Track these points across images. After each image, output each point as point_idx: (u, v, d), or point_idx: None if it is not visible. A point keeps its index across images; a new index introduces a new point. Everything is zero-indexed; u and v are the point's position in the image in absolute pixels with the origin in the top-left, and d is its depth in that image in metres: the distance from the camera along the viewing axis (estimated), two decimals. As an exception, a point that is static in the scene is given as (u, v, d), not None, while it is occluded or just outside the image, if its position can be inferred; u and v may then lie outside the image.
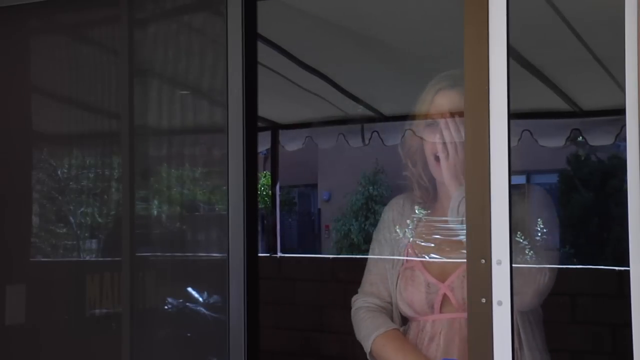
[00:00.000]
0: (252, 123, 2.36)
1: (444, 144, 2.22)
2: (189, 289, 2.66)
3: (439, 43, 3.09)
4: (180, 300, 2.68)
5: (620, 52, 1.78)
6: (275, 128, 4.74)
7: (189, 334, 2.63)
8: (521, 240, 2.17)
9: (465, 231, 2.04)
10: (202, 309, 2.58)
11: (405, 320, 2.30)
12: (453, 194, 2.19)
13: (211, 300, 2.55)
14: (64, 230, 2.83)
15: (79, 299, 2.77)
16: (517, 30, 1.96)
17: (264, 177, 6.11)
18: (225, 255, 2.30)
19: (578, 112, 4.08)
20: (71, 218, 2.81)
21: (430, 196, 2.31)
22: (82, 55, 2.83)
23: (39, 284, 2.81)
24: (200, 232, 2.64)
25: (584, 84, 3.81)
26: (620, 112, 1.81)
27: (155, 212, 2.69)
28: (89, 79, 2.77)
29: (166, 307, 2.65)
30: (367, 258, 2.37)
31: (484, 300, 1.87)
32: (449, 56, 2.11)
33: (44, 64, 2.86)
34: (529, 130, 4.13)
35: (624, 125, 1.78)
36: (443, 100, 2.26)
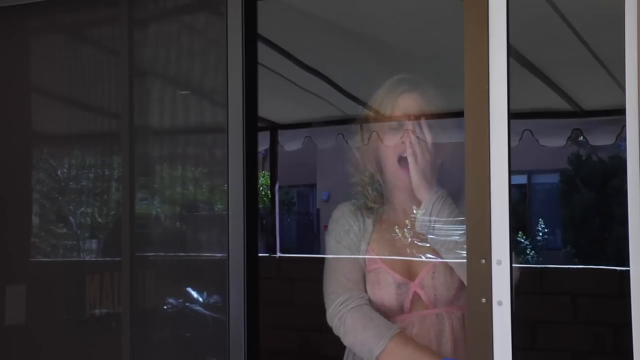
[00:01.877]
0: (252, 123, 2.36)
1: (412, 146, 2.22)
2: (189, 289, 2.65)
3: (438, 43, 3.09)
4: (180, 300, 2.68)
5: (621, 52, 1.78)
6: (274, 128, 4.73)
7: (188, 334, 2.63)
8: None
9: (439, 231, 2.13)
10: (202, 309, 2.57)
11: None
12: (425, 196, 2.19)
13: (211, 300, 2.55)
14: (64, 230, 2.83)
15: (78, 299, 2.77)
16: (517, 30, 1.96)
17: (263, 177, 6.10)
18: (225, 255, 2.30)
19: (579, 112, 4.08)
20: (71, 218, 2.81)
21: (384, 200, 2.31)
22: (81, 56, 2.83)
23: (39, 284, 2.80)
24: (200, 232, 2.64)
25: (584, 83, 3.81)
26: (621, 111, 1.81)
27: (155, 212, 2.69)
28: (89, 78, 2.77)
29: (166, 307, 2.65)
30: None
31: (484, 300, 1.87)
32: (449, 56, 2.11)
33: (43, 64, 2.85)
34: (529, 130, 4.13)
35: (624, 125, 1.78)
36: (407, 102, 2.27)
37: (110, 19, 2.73)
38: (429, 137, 2.22)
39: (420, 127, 2.23)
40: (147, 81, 2.68)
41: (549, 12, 2.80)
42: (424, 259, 2.22)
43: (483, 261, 1.87)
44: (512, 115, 1.89)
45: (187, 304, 2.66)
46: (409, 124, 2.23)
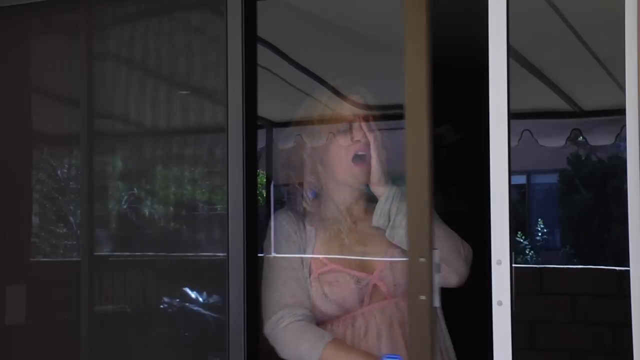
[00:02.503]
0: (252, 123, 2.36)
1: (372, 143, 2.27)
2: (188, 289, 2.65)
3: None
4: (179, 300, 2.68)
5: (620, 52, 1.78)
6: (269, 126, 4.71)
7: (188, 334, 2.63)
8: None
9: (401, 223, 2.18)
10: (202, 309, 2.57)
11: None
12: (384, 190, 2.26)
13: (210, 300, 2.55)
14: (64, 230, 2.82)
15: (77, 299, 2.77)
16: (517, 30, 1.96)
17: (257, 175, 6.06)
18: (225, 255, 2.30)
19: (578, 112, 4.08)
20: (71, 218, 2.81)
21: (324, 201, 2.36)
22: (81, 55, 2.82)
23: (39, 284, 2.80)
24: (199, 232, 2.64)
25: (584, 83, 3.81)
26: (621, 112, 1.81)
27: (154, 212, 2.69)
28: (88, 79, 2.76)
29: (166, 307, 2.65)
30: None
31: (423, 297, 1.88)
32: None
33: (43, 64, 2.85)
34: (529, 130, 4.13)
35: (624, 125, 1.78)
36: (357, 102, 2.34)
37: (109, 19, 2.73)
38: (379, 135, 2.28)
39: (373, 125, 2.29)
40: (145, 81, 2.68)
41: (548, 12, 2.80)
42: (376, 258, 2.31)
43: (422, 260, 1.88)
44: (512, 115, 1.89)
45: (187, 304, 2.66)
46: (363, 123, 2.30)
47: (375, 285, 2.26)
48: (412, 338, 1.93)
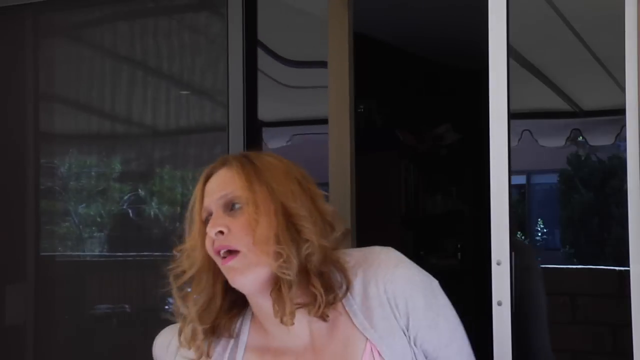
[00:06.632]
0: (252, 123, 2.36)
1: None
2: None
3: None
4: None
5: (621, 52, 1.78)
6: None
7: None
8: None
9: None
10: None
11: None
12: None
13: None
14: (64, 230, 2.83)
15: (76, 299, 2.78)
16: (517, 30, 1.96)
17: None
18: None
19: (578, 112, 4.08)
20: (72, 217, 2.81)
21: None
22: (80, 55, 2.83)
23: (40, 283, 2.80)
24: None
25: (584, 83, 3.81)
26: (621, 112, 1.81)
27: (153, 212, 2.69)
28: (88, 79, 2.77)
29: (166, 307, 2.65)
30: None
31: None
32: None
33: (42, 64, 2.85)
34: (529, 130, 4.13)
35: (624, 125, 1.79)
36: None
37: (108, 19, 2.73)
38: None
39: None
40: (144, 80, 2.69)
41: (548, 12, 2.80)
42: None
43: None
44: (512, 115, 1.89)
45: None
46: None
47: None
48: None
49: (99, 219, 2.77)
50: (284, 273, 1.27)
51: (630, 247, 1.76)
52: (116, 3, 2.65)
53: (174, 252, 1.36)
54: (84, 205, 2.79)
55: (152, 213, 2.69)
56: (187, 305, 1.37)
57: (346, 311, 1.33)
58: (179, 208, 2.65)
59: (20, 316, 2.77)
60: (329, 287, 1.30)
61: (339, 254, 1.34)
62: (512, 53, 1.91)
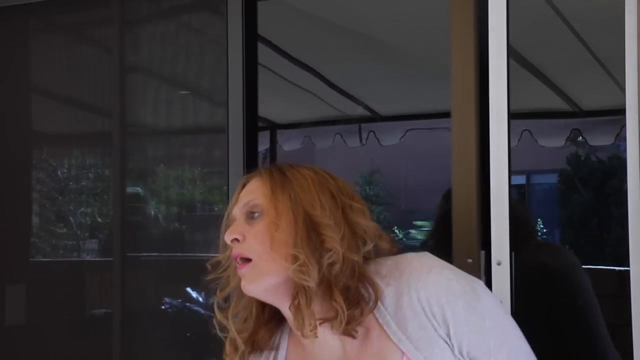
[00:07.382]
0: (253, 123, 2.36)
1: None
2: (189, 289, 2.65)
3: (437, 43, 3.09)
4: (180, 301, 2.68)
5: (620, 52, 1.78)
6: (273, 128, 4.73)
7: (188, 334, 2.63)
8: None
9: None
10: (202, 310, 2.57)
11: None
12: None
13: (211, 301, 2.55)
14: (64, 230, 2.83)
15: (76, 299, 2.78)
16: (517, 30, 1.96)
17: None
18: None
19: (578, 112, 4.09)
20: (71, 218, 2.81)
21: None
22: (80, 56, 2.83)
23: (39, 284, 2.80)
24: (199, 232, 2.64)
25: (584, 84, 3.81)
26: (620, 112, 1.81)
27: (153, 213, 2.69)
28: (86, 78, 2.77)
29: (166, 308, 2.65)
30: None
31: None
32: (446, 55, 2.11)
33: (42, 64, 2.85)
34: (529, 130, 4.14)
35: (624, 125, 1.78)
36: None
37: (107, 19, 2.74)
38: None
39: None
40: (142, 80, 2.69)
41: (548, 13, 2.80)
42: None
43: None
44: (512, 115, 1.89)
45: (187, 304, 2.66)
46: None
47: None
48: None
49: (99, 219, 2.77)
50: (300, 278, 1.24)
51: (630, 247, 1.76)
52: (116, 3, 2.65)
53: (208, 264, 1.42)
54: (82, 208, 2.79)
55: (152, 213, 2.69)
56: (227, 316, 1.38)
57: (379, 323, 1.28)
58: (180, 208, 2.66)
59: (20, 316, 2.77)
60: (354, 302, 1.26)
61: (371, 265, 1.31)
62: (512, 53, 1.91)
